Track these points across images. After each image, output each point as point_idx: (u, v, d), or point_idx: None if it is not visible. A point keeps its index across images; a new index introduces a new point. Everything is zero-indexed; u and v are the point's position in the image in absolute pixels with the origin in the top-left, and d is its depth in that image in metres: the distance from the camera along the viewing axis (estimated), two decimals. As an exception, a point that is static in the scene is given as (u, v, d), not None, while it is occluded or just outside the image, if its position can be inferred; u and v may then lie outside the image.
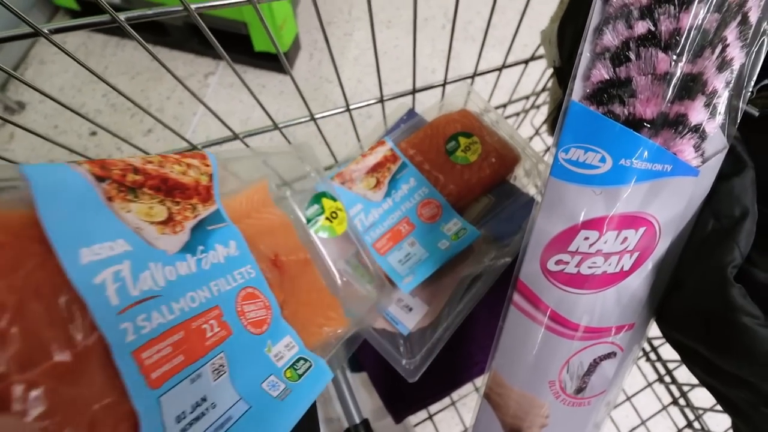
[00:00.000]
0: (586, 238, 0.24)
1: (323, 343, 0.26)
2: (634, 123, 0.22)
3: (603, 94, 0.22)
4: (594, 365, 0.28)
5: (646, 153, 0.22)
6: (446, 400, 0.49)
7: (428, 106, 0.42)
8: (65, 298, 0.14)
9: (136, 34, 0.25)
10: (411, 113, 0.43)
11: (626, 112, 0.22)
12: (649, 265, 0.25)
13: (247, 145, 0.38)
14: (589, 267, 0.25)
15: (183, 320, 0.18)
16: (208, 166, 0.23)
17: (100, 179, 0.17)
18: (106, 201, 0.17)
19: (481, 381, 0.50)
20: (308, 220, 0.33)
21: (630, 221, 0.24)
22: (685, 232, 0.25)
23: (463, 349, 0.44)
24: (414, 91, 0.41)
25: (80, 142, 0.88)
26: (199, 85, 0.96)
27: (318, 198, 0.34)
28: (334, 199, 0.34)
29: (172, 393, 0.16)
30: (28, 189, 0.14)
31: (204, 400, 0.17)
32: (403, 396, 0.44)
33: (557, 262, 0.25)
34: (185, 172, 0.21)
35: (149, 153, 0.36)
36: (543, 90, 0.52)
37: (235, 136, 0.36)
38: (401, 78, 0.96)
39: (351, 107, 0.40)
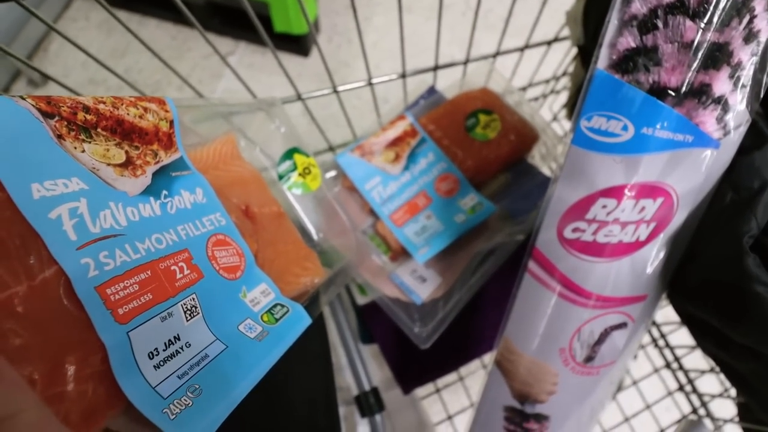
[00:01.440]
0: (604, 206, 0.24)
1: (300, 292, 0.26)
2: (659, 91, 0.22)
3: (629, 62, 0.22)
4: (605, 334, 0.28)
5: (668, 122, 0.22)
6: (454, 376, 0.49)
7: (449, 83, 0.42)
8: (19, 232, 0.14)
9: (192, 16, 0.26)
10: (431, 90, 0.44)
11: (651, 80, 0.22)
12: (665, 237, 0.26)
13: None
14: (605, 235, 0.25)
15: (149, 260, 0.17)
16: (167, 111, 0.22)
17: (47, 115, 0.16)
18: (56, 139, 0.16)
19: (488, 359, 0.51)
20: (280, 177, 0.31)
21: (648, 191, 0.24)
22: (702, 205, 0.26)
23: (473, 325, 0.45)
24: (436, 68, 0.42)
25: (102, 116, 0.90)
26: (218, 65, 0.97)
27: (290, 154, 0.32)
28: (307, 155, 0.33)
29: (142, 329, 0.16)
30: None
31: (177, 339, 0.17)
32: (413, 368, 0.46)
33: (574, 230, 0.26)
34: (142, 116, 0.20)
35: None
36: (563, 75, 0.52)
37: (261, 108, 0.37)
38: (420, 64, 0.96)
39: (372, 81, 0.41)
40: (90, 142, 0.18)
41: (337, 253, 0.32)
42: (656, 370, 0.52)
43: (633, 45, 0.22)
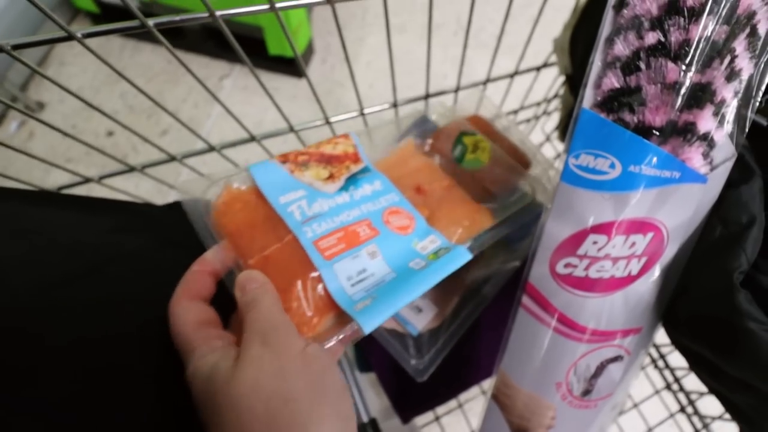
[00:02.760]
0: (595, 242, 0.24)
1: (472, 238, 0.33)
2: (644, 130, 0.22)
3: (613, 102, 0.23)
4: (601, 368, 0.28)
5: (655, 160, 0.23)
6: (453, 403, 0.49)
7: (440, 111, 0.43)
8: (274, 220, 0.27)
9: (165, 39, 0.26)
10: (424, 119, 0.44)
11: (636, 119, 0.22)
12: (656, 270, 0.26)
13: (264, 147, 0.39)
14: (597, 271, 0.25)
15: (342, 227, 0.28)
16: (350, 140, 0.33)
17: (283, 162, 0.30)
18: (290, 172, 0.29)
19: (487, 384, 0.50)
20: (458, 160, 0.38)
21: (638, 226, 0.24)
22: (692, 239, 0.26)
23: (470, 352, 0.45)
24: (427, 96, 0.42)
25: (97, 141, 0.90)
26: (213, 88, 0.97)
27: (460, 138, 0.38)
28: (474, 134, 0.38)
29: (341, 264, 0.27)
30: (249, 174, 0.28)
31: (364, 270, 0.27)
32: (411, 397, 0.45)
33: (566, 266, 0.26)
34: (335, 147, 0.32)
35: (165, 152, 0.37)
36: (554, 97, 0.53)
37: (252, 138, 0.38)
38: (413, 83, 0.97)
39: (365, 112, 0.41)
40: (307, 170, 0.30)
41: (512, 201, 0.37)
42: (657, 392, 0.52)
43: (617, 85, 0.23)
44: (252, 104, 0.97)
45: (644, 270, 0.26)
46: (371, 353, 0.45)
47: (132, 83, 0.29)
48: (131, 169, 0.35)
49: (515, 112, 0.54)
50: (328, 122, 0.39)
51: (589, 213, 0.24)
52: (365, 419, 0.42)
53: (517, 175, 0.38)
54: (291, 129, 0.38)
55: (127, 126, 0.33)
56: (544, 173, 0.42)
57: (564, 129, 0.51)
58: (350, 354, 0.49)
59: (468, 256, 0.29)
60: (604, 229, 0.24)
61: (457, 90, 0.43)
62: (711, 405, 0.51)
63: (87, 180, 0.34)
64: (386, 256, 0.28)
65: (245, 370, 0.19)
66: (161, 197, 0.85)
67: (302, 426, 0.18)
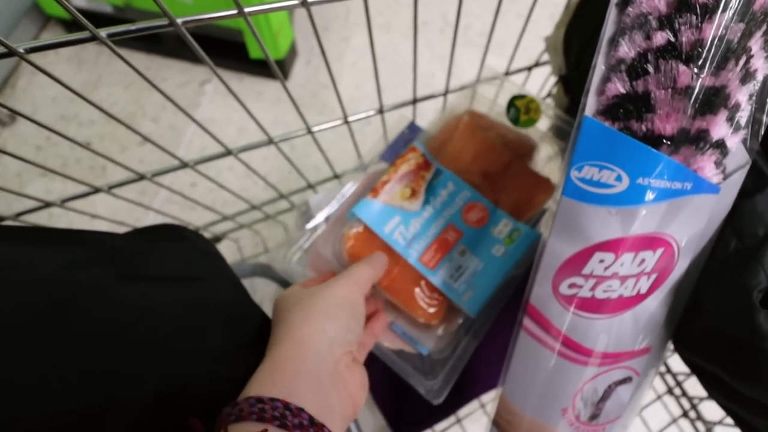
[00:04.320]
0: (601, 261, 0.23)
1: (536, 213, 0.37)
2: (653, 139, 0.20)
3: (619, 109, 0.21)
4: (609, 391, 0.26)
5: (665, 171, 0.21)
6: (451, 419, 0.47)
7: (431, 119, 0.40)
8: (387, 248, 0.34)
9: (117, 50, 0.23)
10: (412, 127, 0.42)
11: (644, 128, 0.20)
12: (667, 287, 0.24)
13: (242, 161, 0.37)
14: (604, 291, 0.23)
15: (434, 239, 0.35)
16: (418, 150, 0.37)
17: (375, 196, 0.35)
18: (383, 203, 0.35)
19: (486, 398, 0.48)
20: (513, 122, 0.39)
21: (648, 242, 0.22)
22: (705, 252, 0.24)
23: (468, 366, 0.43)
24: (414, 101, 0.40)
25: (73, 153, 0.86)
26: (194, 94, 0.94)
27: (512, 102, 0.39)
28: (523, 96, 0.38)
29: (442, 268, 0.34)
30: (357, 217, 0.35)
31: (460, 267, 0.34)
32: (408, 415, 0.43)
33: (570, 286, 0.24)
34: (409, 164, 0.36)
35: (143, 162, 0.34)
36: (547, 96, 0.51)
37: (228, 152, 0.35)
38: (400, 83, 0.95)
39: (349, 119, 0.39)
40: (395, 195, 0.35)
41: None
42: (659, 397, 0.50)
43: (622, 91, 0.21)
44: (235, 109, 0.94)
45: (654, 287, 0.24)
46: (371, 368, 0.43)
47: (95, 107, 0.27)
48: (96, 190, 0.33)
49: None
50: (310, 132, 0.37)
51: (595, 229, 0.22)
52: (360, 442, 0.40)
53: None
54: (270, 141, 0.36)
55: (93, 150, 0.30)
56: (557, 155, 0.41)
57: (558, 130, 0.50)
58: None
59: (535, 235, 0.35)
60: (611, 246, 0.22)
61: (446, 93, 0.41)
62: (714, 409, 0.50)
63: (48, 204, 0.31)
64: (473, 250, 0.35)
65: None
66: (140, 212, 0.81)
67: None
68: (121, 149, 0.88)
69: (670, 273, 0.24)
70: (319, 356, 0.24)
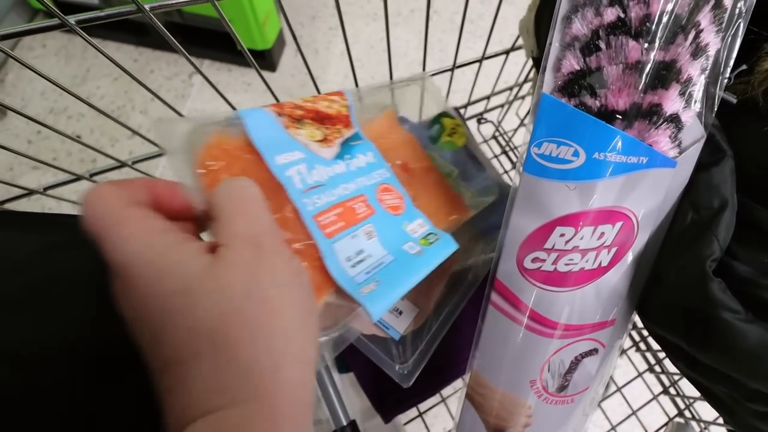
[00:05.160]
0: (562, 235, 0.23)
1: (451, 228, 0.33)
2: (607, 115, 0.21)
3: (574, 86, 0.21)
4: (575, 363, 0.27)
5: (620, 145, 0.21)
6: (436, 398, 0.48)
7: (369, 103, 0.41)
8: (271, 184, 0.24)
9: (86, 35, 0.24)
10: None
11: (598, 103, 0.21)
12: (628, 260, 0.25)
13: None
14: (566, 264, 0.24)
15: (341, 201, 0.26)
16: (345, 101, 0.30)
17: (279, 115, 0.26)
18: (285, 128, 0.26)
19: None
20: (432, 139, 0.37)
21: (606, 216, 0.23)
22: (664, 225, 0.25)
23: (450, 347, 0.44)
24: (392, 85, 0.40)
25: (64, 146, 0.87)
26: (183, 85, 0.94)
27: (438, 118, 0.37)
28: (453, 117, 0.37)
29: (341, 243, 0.25)
30: (243, 125, 0.24)
31: (362, 251, 0.26)
32: (392, 396, 0.44)
33: (533, 260, 0.24)
34: (329, 106, 0.29)
35: (133, 154, 0.35)
36: (526, 80, 0.51)
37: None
38: (387, 73, 0.95)
39: (328, 104, 0.39)
40: (302, 128, 0.27)
41: (483, 193, 0.37)
42: (639, 375, 0.52)
43: (577, 68, 0.21)
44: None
45: (615, 260, 0.24)
46: (349, 354, 0.44)
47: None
48: (78, 177, 0.33)
49: (488, 97, 0.53)
50: (288, 118, 0.37)
51: (555, 204, 0.23)
52: (344, 422, 0.41)
53: (485, 168, 0.37)
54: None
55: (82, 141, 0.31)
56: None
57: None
58: (327, 355, 0.48)
59: (455, 246, 0.30)
60: (570, 220, 0.23)
61: (423, 77, 0.41)
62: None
63: (31, 192, 0.32)
64: (381, 238, 0.27)
65: (233, 268, 0.16)
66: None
67: (287, 340, 0.17)
68: (111, 141, 0.88)
69: (630, 246, 0.24)
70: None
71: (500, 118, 0.57)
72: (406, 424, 0.48)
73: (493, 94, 0.51)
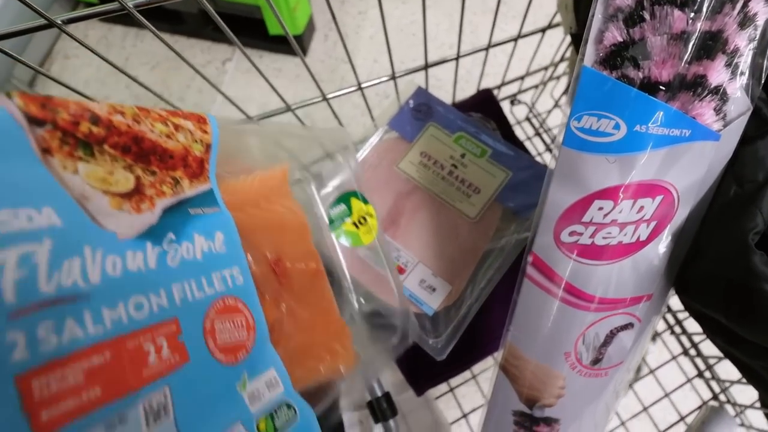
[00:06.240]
0: (600, 208, 0.24)
1: (319, 384, 0.20)
2: (650, 86, 0.21)
3: (616, 58, 0.21)
4: (611, 336, 0.28)
5: (662, 118, 0.21)
6: (467, 374, 0.49)
7: (446, 87, 0.41)
8: None
9: (144, 20, 0.25)
10: (419, 93, 0.43)
11: (641, 75, 0.21)
12: (667, 235, 0.25)
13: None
14: (604, 237, 0.24)
15: (114, 336, 0.12)
16: (206, 132, 0.17)
17: (36, 122, 0.13)
18: (41, 153, 0.13)
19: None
20: (331, 221, 0.27)
21: (646, 190, 0.23)
22: (705, 199, 0.25)
23: (483, 323, 0.44)
24: (426, 67, 0.41)
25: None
26: (216, 72, 0.97)
27: (346, 197, 0.28)
28: (366, 202, 0.28)
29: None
30: None
31: None
32: (425, 370, 0.45)
33: (571, 234, 0.25)
34: (171, 135, 0.16)
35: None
36: (562, 60, 0.50)
37: (250, 120, 0.37)
38: (419, 55, 0.94)
39: (363, 86, 0.40)
40: (89, 162, 0.14)
41: (377, 331, 0.25)
42: (674, 357, 0.51)
43: (620, 39, 0.21)
44: (257, 86, 0.96)
45: (654, 235, 0.24)
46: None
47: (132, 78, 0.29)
48: None
49: (521, 78, 0.52)
50: (325, 98, 0.38)
51: (594, 178, 0.23)
52: (379, 393, 0.42)
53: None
54: (288, 108, 0.38)
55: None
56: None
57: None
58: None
59: (316, 429, 0.18)
60: (609, 194, 0.23)
61: (457, 57, 0.41)
62: (730, 369, 0.51)
63: None
64: (184, 419, 0.13)
65: None
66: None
67: None
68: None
69: (669, 220, 0.24)
70: None
71: (534, 100, 0.57)
72: (437, 398, 0.49)
73: (528, 74, 0.50)
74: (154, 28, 0.26)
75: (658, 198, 0.23)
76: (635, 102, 0.21)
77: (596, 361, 0.28)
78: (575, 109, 0.23)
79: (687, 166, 0.23)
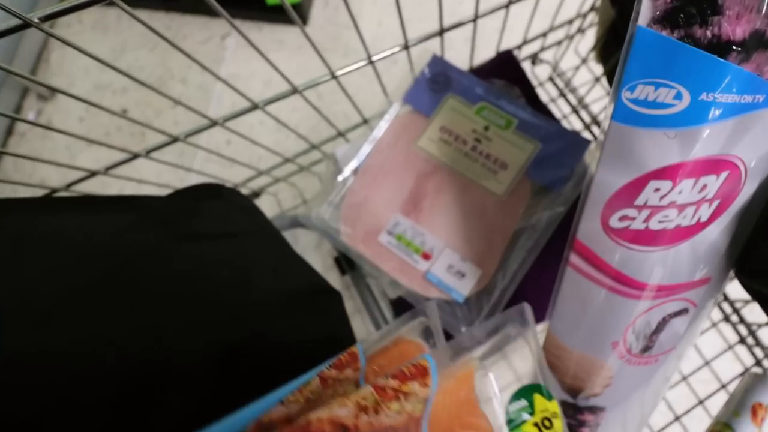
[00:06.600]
0: (657, 190, 0.21)
1: None
2: (720, 47, 0.18)
3: (679, 14, 0.18)
4: (663, 323, 0.25)
5: (733, 83, 0.18)
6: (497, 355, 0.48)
7: (462, 51, 0.38)
8: None
9: (125, 5, 0.23)
10: (435, 61, 0.39)
11: (709, 34, 0.18)
12: (731, 214, 0.22)
13: (270, 114, 0.36)
14: (660, 221, 0.22)
15: None
16: (426, 387, 0.17)
17: None
18: None
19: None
20: (509, 420, 0.22)
21: (711, 166, 0.20)
22: (777, 172, 0.22)
23: (512, 304, 0.43)
24: (441, 32, 0.37)
25: (113, 121, 0.89)
26: (217, 48, 0.93)
27: (528, 392, 0.23)
28: (551, 398, 0.22)
29: None
30: None
31: None
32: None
33: (621, 219, 0.22)
34: (401, 410, 0.16)
35: (178, 124, 0.34)
36: (590, 11, 0.46)
37: (255, 106, 0.34)
38: (426, 15, 0.88)
39: (373, 59, 0.37)
40: None
41: None
42: (714, 324, 0.49)
43: (684, -8, 0.18)
44: (259, 60, 0.91)
45: (716, 215, 0.22)
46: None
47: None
48: (135, 156, 0.33)
49: (544, 34, 0.48)
50: (334, 77, 0.35)
51: (650, 156, 0.20)
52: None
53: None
54: (294, 90, 0.35)
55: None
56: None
57: (602, 48, 0.45)
58: (389, 314, 0.48)
59: None
60: (668, 173, 0.20)
61: (475, 19, 0.37)
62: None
63: (93, 173, 0.33)
64: None
65: None
66: (183, 173, 0.84)
67: None
68: (156, 113, 0.89)
69: (734, 198, 0.22)
70: None
71: (558, 58, 0.52)
72: (468, 378, 0.48)
73: (552, 29, 0.46)
74: (137, 15, 0.24)
75: (723, 174, 0.21)
76: (703, 66, 0.18)
77: (646, 349, 0.26)
78: (627, 78, 0.20)
79: (758, 137, 0.20)
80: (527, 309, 0.25)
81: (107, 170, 0.33)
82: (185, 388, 0.20)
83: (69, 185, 0.33)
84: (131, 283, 0.22)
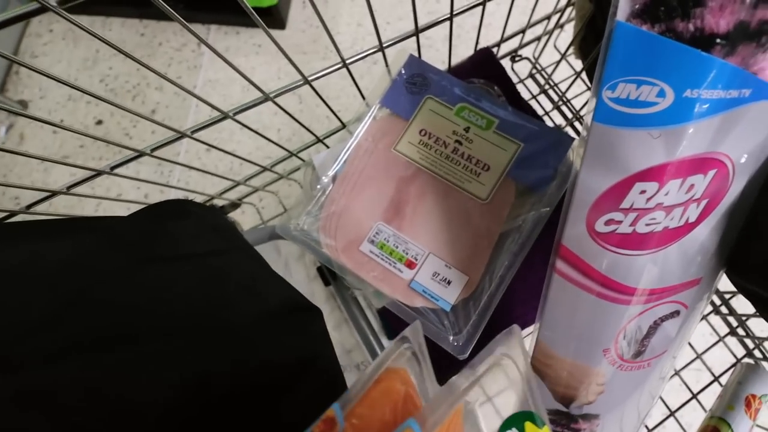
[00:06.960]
0: (643, 192, 0.20)
1: None
2: (703, 41, 0.17)
3: (659, 8, 0.17)
4: (654, 327, 0.25)
5: (718, 78, 0.17)
6: (489, 357, 0.47)
7: (440, 49, 0.36)
8: None
9: (70, 16, 0.21)
10: (412, 61, 0.38)
11: (692, 27, 0.17)
12: (719, 213, 0.21)
13: (242, 123, 0.35)
14: (647, 224, 0.21)
15: None
16: None
17: None
18: None
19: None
20: None
21: (697, 165, 0.19)
22: (765, 167, 0.21)
23: (501, 307, 0.42)
24: (417, 32, 0.36)
25: (87, 132, 0.86)
26: (193, 55, 0.90)
27: (519, 420, 0.22)
28: (543, 425, 0.21)
29: None
30: None
31: None
32: (444, 358, 0.43)
33: (607, 222, 0.21)
34: None
35: (156, 133, 0.33)
36: (567, 5, 0.45)
37: (225, 116, 0.33)
38: (405, 14, 0.87)
39: (348, 61, 0.35)
40: None
41: None
42: (704, 317, 0.48)
43: (663, -17, 0.17)
44: (237, 65, 0.90)
45: (705, 214, 0.21)
46: (397, 319, 0.43)
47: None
48: (141, 154, 0.31)
49: (522, 31, 0.47)
50: (307, 82, 0.34)
51: (634, 157, 0.19)
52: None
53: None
54: (267, 98, 0.33)
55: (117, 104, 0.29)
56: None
57: (581, 43, 0.44)
58: (375, 323, 0.47)
59: None
60: (654, 174, 0.19)
61: (451, 17, 0.36)
62: (764, 325, 0.48)
63: (98, 173, 0.31)
64: None
65: None
66: (164, 182, 0.81)
67: None
68: (133, 122, 0.87)
69: (723, 196, 0.21)
70: None
71: (537, 54, 0.51)
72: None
73: (529, 26, 0.45)
74: (86, 27, 0.22)
75: (711, 173, 0.20)
76: (686, 61, 0.17)
77: (638, 353, 0.25)
78: (608, 76, 0.19)
79: (745, 132, 0.19)
80: (516, 330, 0.23)
81: (69, 188, 0.31)
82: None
83: (29, 206, 0.31)
84: (90, 316, 0.20)
